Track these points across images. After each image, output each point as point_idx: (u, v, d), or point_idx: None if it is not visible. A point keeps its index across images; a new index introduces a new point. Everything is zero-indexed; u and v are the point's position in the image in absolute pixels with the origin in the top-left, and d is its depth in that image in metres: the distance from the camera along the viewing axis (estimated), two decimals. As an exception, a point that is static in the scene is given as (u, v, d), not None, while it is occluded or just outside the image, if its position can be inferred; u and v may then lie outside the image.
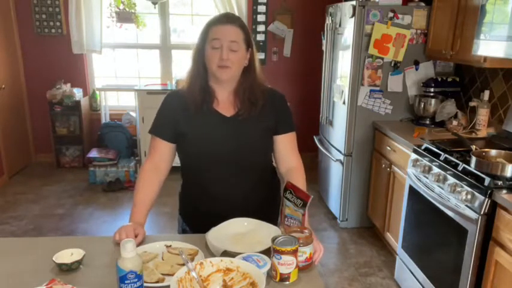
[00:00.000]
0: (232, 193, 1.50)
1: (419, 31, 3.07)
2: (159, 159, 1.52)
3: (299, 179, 1.49)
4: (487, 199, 1.82)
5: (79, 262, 1.22)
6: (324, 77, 3.78)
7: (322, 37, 3.85)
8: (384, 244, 3.17)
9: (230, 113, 1.48)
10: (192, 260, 1.22)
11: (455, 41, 2.64)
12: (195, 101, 1.45)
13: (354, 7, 3.02)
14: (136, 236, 1.33)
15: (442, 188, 2.12)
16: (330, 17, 3.55)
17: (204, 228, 1.37)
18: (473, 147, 2.15)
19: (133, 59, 4.94)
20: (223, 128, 1.47)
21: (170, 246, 1.32)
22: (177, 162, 1.57)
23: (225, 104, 1.49)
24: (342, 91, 3.33)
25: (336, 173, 3.52)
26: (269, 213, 1.51)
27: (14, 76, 4.47)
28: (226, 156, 1.46)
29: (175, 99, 1.51)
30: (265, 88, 1.53)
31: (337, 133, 3.49)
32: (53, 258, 1.21)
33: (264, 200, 1.56)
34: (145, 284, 1.09)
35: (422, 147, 2.42)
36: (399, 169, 2.79)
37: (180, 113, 1.47)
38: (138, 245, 1.31)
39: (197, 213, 1.55)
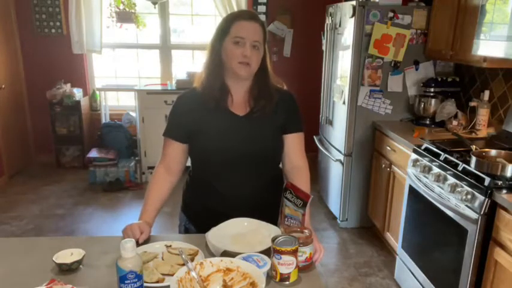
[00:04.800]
0: (241, 192, 1.48)
1: (419, 31, 3.07)
2: (171, 160, 1.51)
3: (303, 180, 1.49)
4: (487, 199, 1.82)
5: (79, 262, 1.22)
6: (324, 77, 3.78)
7: (322, 37, 3.85)
8: (384, 244, 3.17)
9: (243, 112, 1.47)
10: (192, 260, 1.21)
11: (455, 41, 2.64)
12: (215, 98, 1.43)
13: (354, 7, 3.02)
14: (142, 234, 1.34)
15: (442, 188, 2.12)
16: (330, 17, 3.55)
17: (209, 227, 1.36)
18: (473, 147, 2.15)
19: (133, 59, 4.94)
20: (235, 128, 1.45)
21: (170, 246, 1.32)
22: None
23: (239, 102, 1.48)
24: (342, 91, 3.33)
25: (336, 173, 3.52)
26: (274, 213, 1.50)
27: (14, 76, 4.47)
28: (237, 155, 1.45)
29: (185, 100, 1.50)
30: (277, 87, 1.54)
31: (337, 133, 3.49)
32: (53, 258, 1.21)
33: (273, 200, 1.53)
34: (145, 284, 1.09)
35: (422, 147, 2.42)
36: (399, 169, 2.79)
37: (192, 113, 1.46)
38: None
39: (204, 212, 1.54)
